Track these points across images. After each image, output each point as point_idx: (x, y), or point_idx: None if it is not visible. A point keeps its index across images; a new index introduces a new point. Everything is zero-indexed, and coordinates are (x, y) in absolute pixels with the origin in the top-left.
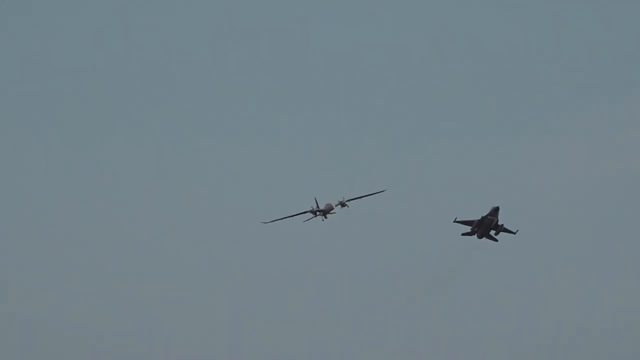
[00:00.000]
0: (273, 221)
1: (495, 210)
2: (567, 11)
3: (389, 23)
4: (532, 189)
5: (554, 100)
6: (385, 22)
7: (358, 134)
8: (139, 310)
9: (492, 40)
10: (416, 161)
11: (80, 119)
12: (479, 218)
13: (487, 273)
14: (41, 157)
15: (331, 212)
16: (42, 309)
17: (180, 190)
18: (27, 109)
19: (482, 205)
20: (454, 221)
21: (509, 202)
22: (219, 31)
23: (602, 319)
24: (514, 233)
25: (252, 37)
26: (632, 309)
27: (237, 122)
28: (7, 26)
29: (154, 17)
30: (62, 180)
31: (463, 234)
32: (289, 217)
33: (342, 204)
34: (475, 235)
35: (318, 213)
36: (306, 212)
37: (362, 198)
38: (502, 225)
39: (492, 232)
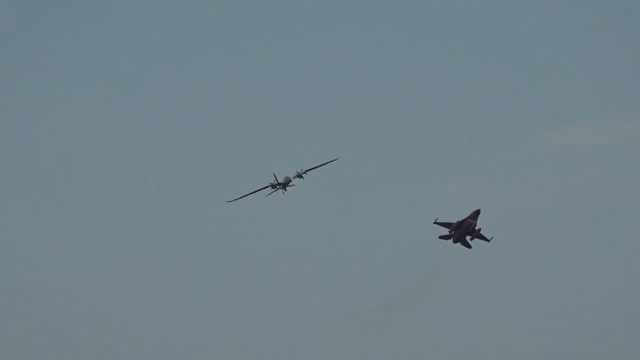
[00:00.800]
0: (237, 199)
1: (476, 213)
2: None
3: None
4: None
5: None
6: None
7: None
8: (139, 310)
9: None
10: None
11: (81, 119)
12: (459, 220)
13: (459, 281)
14: (41, 157)
15: (289, 184)
16: (42, 308)
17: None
18: (27, 108)
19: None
20: (435, 222)
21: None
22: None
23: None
24: (488, 241)
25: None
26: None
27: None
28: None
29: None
30: (62, 180)
31: (440, 237)
32: (252, 193)
33: (299, 176)
34: (452, 239)
35: (278, 187)
36: (266, 187)
37: (317, 168)
38: (479, 230)
39: (468, 238)
